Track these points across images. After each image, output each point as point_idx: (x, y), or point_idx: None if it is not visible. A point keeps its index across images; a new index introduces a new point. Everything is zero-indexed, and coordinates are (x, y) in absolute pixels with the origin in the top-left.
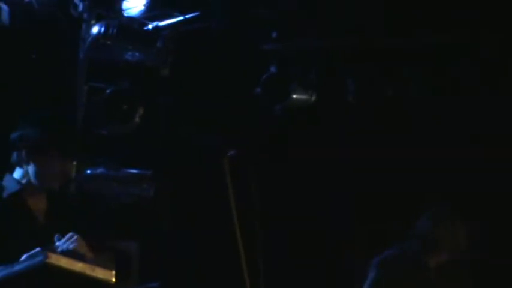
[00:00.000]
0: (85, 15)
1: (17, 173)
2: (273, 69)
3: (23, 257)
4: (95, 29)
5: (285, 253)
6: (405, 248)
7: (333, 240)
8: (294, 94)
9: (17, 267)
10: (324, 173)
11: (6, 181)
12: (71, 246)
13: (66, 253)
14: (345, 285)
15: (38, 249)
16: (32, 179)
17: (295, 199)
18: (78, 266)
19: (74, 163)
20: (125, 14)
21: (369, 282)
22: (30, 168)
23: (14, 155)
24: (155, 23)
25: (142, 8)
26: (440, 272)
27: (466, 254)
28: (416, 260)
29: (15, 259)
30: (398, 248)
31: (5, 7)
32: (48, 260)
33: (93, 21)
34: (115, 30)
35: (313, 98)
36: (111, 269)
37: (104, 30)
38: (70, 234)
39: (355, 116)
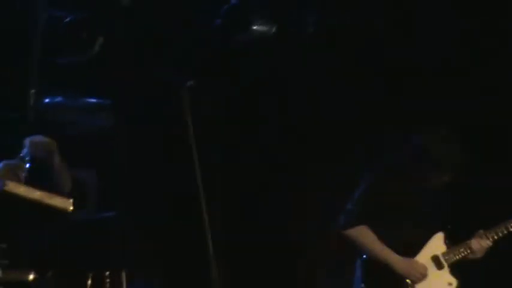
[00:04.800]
0: None
1: None
2: (233, 0)
3: None
4: None
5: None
6: (400, 166)
7: None
8: (255, 25)
9: None
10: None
11: None
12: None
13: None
14: None
15: None
16: None
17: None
18: (36, 194)
19: (33, 91)
20: None
21: (366, 188)
22: None
23: None
24: None
25: None
26: (436, 191)
27: (462, 174)
28: (413, 179)
29: None
30: (391, 165)
31: None
32: (6, 188)
33: None
34: None
35: (274, 29)
36: (68, 198)
37: None
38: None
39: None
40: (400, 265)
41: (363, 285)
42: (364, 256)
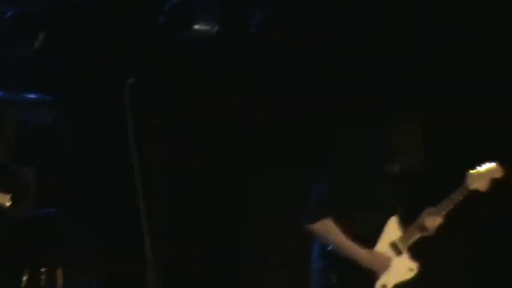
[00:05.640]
0: None
1: None
2: None
3: None
4: None
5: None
6: (358, 154)
7: None
8: (196, 25)
9: None
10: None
11: None
12: None
13: None
14: None
15: None
16: None
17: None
18: None
19: None
20: None
21: (326, 181)
22: None
23: None
24: None
25: None
26: (394, 180)
27: (422, 161)
28: (372, 168)
29: None
30: (350, 153)
31: None
32: None
33: None
34: None
35: (215, 29)
36: (6, 193)
37: None
38: None
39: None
40: (364, 259)
41: (333, 276)
42: (329, 248)
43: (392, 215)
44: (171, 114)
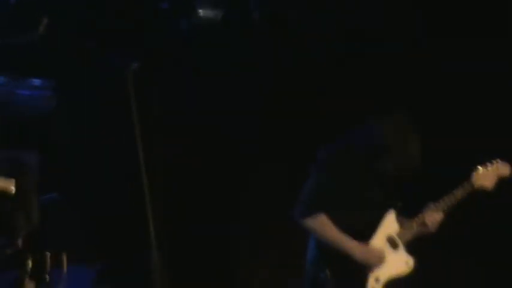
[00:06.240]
0: None
1: None
2: None
3: None
4: None
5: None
6: (351, 150)
7: None
8: (201, 10)
9: None
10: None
11: None
12: None
13: None
14: None
15: None
16: None
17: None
18: None
19: None
20: None
21: (320, 176)
22: None
23: None
24: None
25: None
26: (386, 176)
27: (418, 161)
28: (365, 167)
29: None
30: (343, 149)
31: None
32: None
33: None
34: None
35: (220, 15)
36: (10, 179)
37: None
38: None
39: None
40: (358, 253)
41: (326, 268)
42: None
43: (390, 209)
44: (171, 114)
